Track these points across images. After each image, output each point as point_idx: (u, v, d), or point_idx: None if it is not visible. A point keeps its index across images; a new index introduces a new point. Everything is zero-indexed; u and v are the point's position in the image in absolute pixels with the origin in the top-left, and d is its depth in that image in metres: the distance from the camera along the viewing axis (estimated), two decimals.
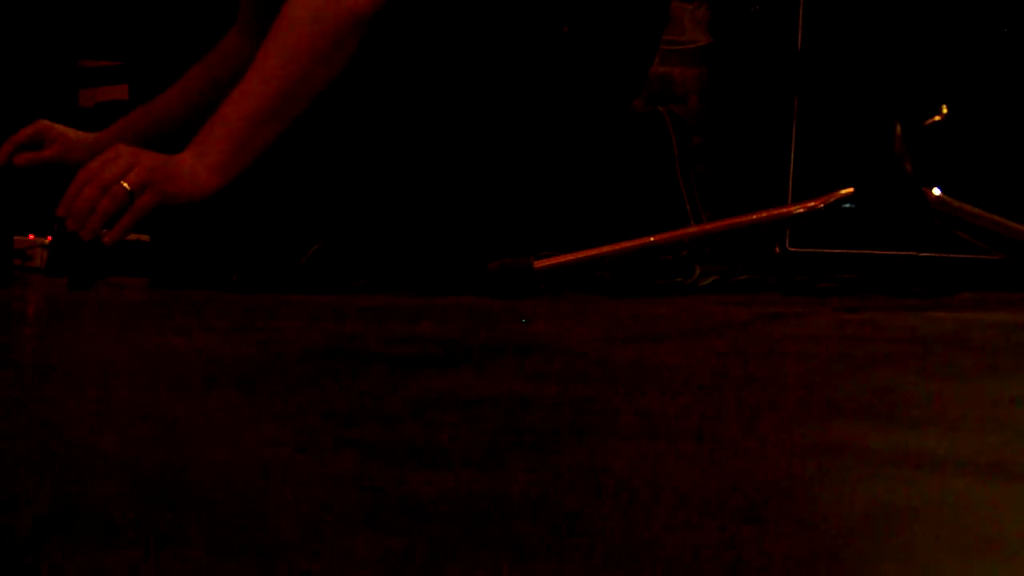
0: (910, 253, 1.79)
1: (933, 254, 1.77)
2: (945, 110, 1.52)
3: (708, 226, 1.37)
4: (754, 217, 1.27)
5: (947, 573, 0.28)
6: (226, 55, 1.65)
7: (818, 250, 1.86)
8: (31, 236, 1.47)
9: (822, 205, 1.23)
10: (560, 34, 1.46)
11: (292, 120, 1.35)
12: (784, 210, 1.30)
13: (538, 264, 1.24)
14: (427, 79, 1.42)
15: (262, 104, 1.33)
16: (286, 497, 0.34)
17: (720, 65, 3.05)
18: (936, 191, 1.22)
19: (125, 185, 1.29)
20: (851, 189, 1.22)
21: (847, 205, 1.22)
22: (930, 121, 1.48)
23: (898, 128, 1.21)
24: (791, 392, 0.60)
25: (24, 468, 0.38)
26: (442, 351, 0.77)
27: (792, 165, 1.90)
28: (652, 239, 1.25)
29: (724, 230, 1.29)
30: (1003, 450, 0.44)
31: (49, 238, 1.34)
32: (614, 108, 1.58)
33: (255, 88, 1.34)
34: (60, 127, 1.59)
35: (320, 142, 1.40)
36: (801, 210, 1.26)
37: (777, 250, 1.87)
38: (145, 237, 1.37)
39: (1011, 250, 1.24)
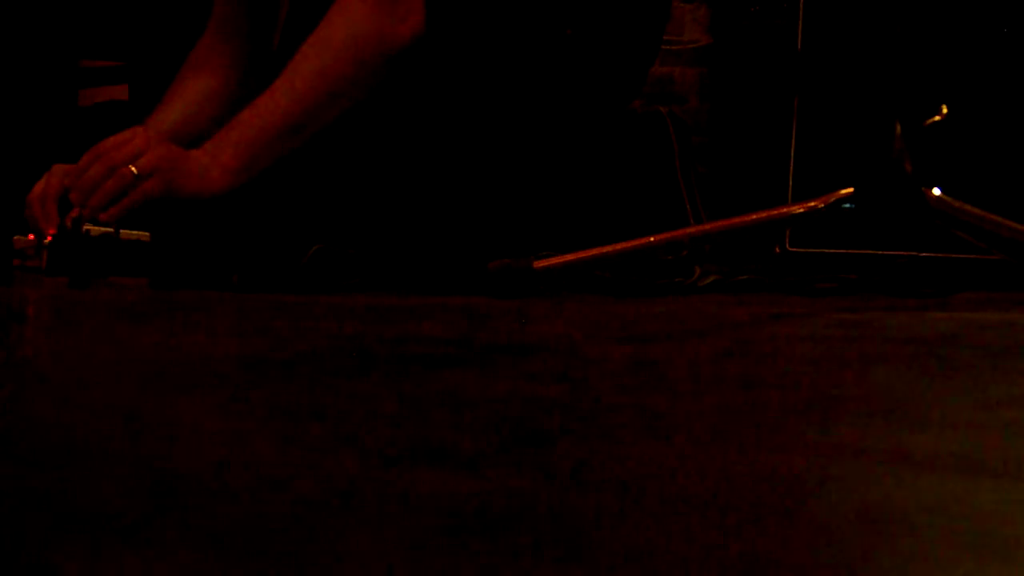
0: (910, 253, 1.79)
1: (933, 254, 1.77)
2: (945, 110, 1.52)
3: (708, 226, 1.38)
4: (754, 217, 1.27)
5: (947, 573, 0.28)
6: (210, 63, 1.62)
7: (818, 250, 1.86)
8: (31, 236, 1.47)
9: (822, 205, 1.23)
10: (563, 37, 1.46)
11: (311, 136, 1.35)
12: (784, 210, 1.30)
13: (538, 264, 1.24)
14: (429, 80, 1.42)
15: (285, 119, 1.33)
16: (286, 497, 0.34)
17: (720, 65, 3.05)
18: (936, 191, 1.22)
19: (133, 169, 1.29)
20: (851, 189, 1.22)
21: (847, 205, 1.22)
22: (930, 121, 1.48)
23: (898, 128, 1.21)
24: (791, 392, 0.60)
25: (24, 468, 0.38)
26: (442, 351, 0.77)
27: (792, 165, 1.90)
28: (652, 239, 1.25)
29: (724, 230, 1.29)
30: (1003, 450, 0.44)
31: (49, 238, 1.34)
32: (615, 108, 1.58)
33: (281, 102, 1.34)
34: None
35: (321, 142, 1.40)
36: (801, 210, 1.26)
37: (777, 250, 1.87)
38: (146, 237, 1.37)
39: (1011, 250, 1.24)
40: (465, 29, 1.41)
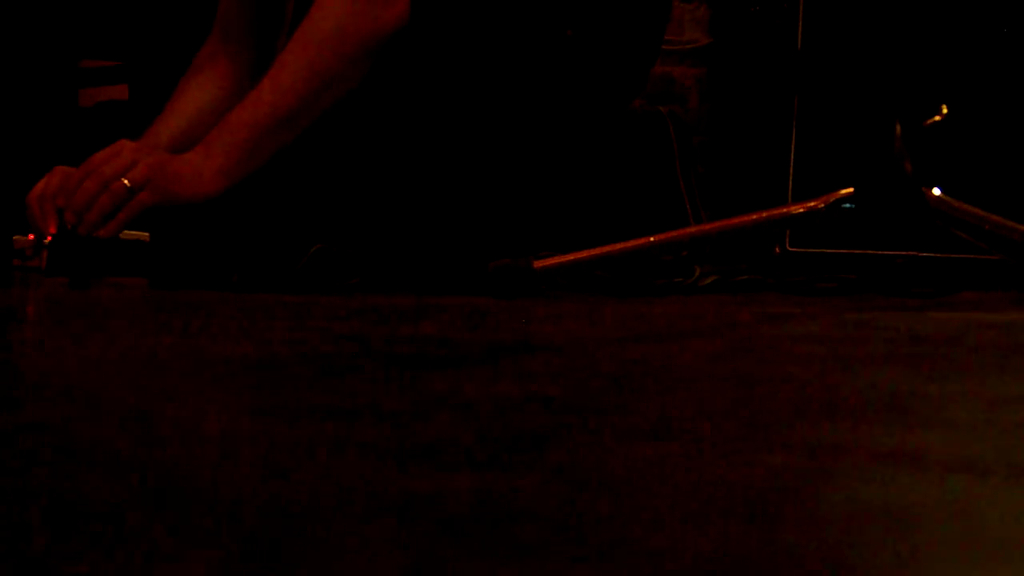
0: (910, 253, 1.79)
1: (933, 254, 1.77)
2: (945, 110, 1.52)
3: (708, 226, 1.38)
4: (754, 217, 1.27)
5: (947, 573, 0.28)
6: (214, 67, 1.62)
7: (818, 250, 1.86)
8: (31, 236, 1.47)
9: (822, 205, 1.23)
10: (563, 37, 1.46)
11: (301, 131, 1.35)
12: (784, 210, 1.30)
13: (538, 264, 1.24)
14: (429, 80, 1.42)
15: (274, 114, 1.33)
16: (286, 497, 0.34)
17: (720, 65, 3.05)
18: (936, 191, 1.22)
19: (125, 182, 1.29)
20: (851, 189, 1.22)
21: (847, 205, 1.22)
22: (930, 121, 1.48)
23: (898, 128, 1.21)
24: (791, 392, 0.60)
25: (24, 468, 0.38)
26: (442, 351, 0.77)
27: (792, 165, 1.90)
28: (652, 239, 1.25)
29: (724, 230, 1.29)
30: (1003, 450, 0.44)
31: (49, 238, 1.34)
32: (616, 108, 1.58)
33: (268, 98, 1.33)
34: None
35: (321, 142, 1.40)
36: (801, 210, 1.26)
37: (777, 250, 1.87)
38: (145, 237, 1.37)
39: (1011, 250, 1.24)
40: (453, 19, 1.41)
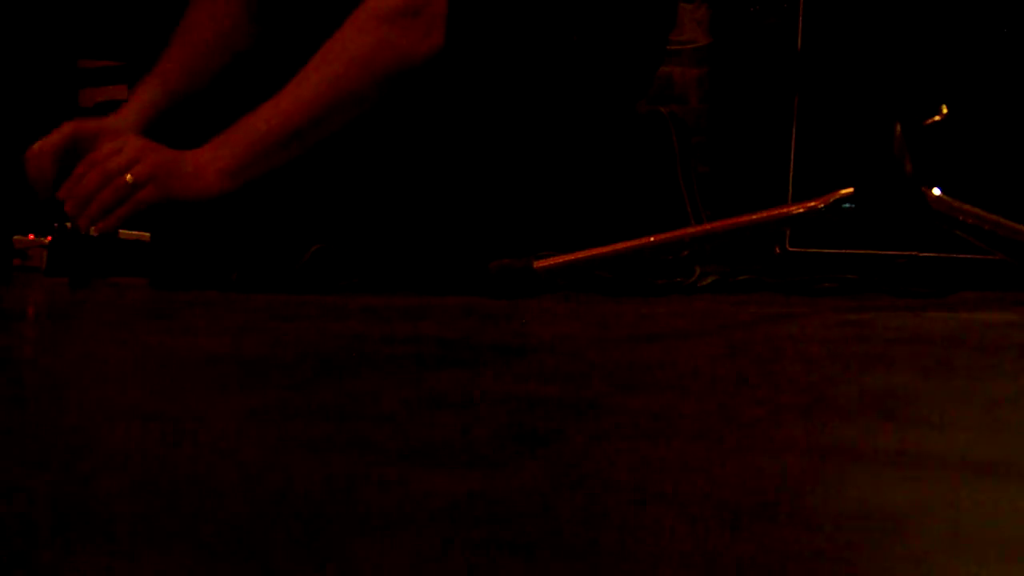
0: (910, 253, 1.79)
1: (933, 254, 1.77)
2: (945, 110, 1.52)
3: (708, 226, 1.38)
4: (754, 217, 1.27)
5: (947, 573, 0.28)
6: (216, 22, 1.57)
7: (818, 250, 1.86)
8: (31, 236, 1.47)
9: (822, 205, 1.23)
10: (569, 43, 1.46)
11: (314, 144, 1.34)
12: (784, 210, 1.30)
13: (538, 264, 1.24)
14: (431, 83, 1.42)
15: (289, 126, 1.32)
16: (286, 497, 0.34)
17: (720, 65, 3.05)
18: (936, 191, 1.22)
19: (128, 177, 1.29)
20: (851, 189, 1.22)
21: (847, 205, 1.22)
22: (930, 121, 1.48)
23: (898, 128, 1.21)
24: (791, 392, 0.60)
25: (24, 468, 0.38)
26: (442, 351, 0.77)
27: (792, 165, 1.90)
28: (652, 239, 1.25)
29: (724, 230, 1.29)
30: (1003, 450, 0.44)
31: (49, 238, 1.34)
32: (618, 110, 1.58)
33: (287, 108, 1.32)
34: (92, 123, 1.39)
35: (322, 142, 1.40)
36: (801, 210, 1.26)
37: (777, 250, 1.87)
38: (145, 237, 1.37)
39: (1011, 250, 1.24)
40: (483, 45, 1.40)
